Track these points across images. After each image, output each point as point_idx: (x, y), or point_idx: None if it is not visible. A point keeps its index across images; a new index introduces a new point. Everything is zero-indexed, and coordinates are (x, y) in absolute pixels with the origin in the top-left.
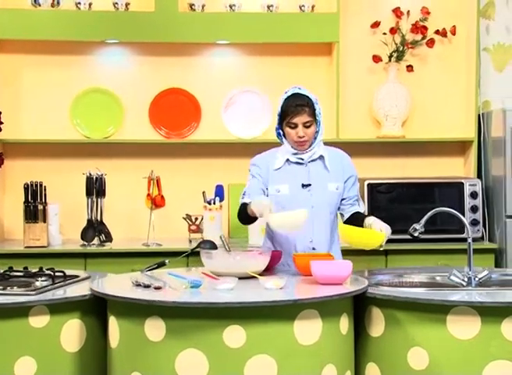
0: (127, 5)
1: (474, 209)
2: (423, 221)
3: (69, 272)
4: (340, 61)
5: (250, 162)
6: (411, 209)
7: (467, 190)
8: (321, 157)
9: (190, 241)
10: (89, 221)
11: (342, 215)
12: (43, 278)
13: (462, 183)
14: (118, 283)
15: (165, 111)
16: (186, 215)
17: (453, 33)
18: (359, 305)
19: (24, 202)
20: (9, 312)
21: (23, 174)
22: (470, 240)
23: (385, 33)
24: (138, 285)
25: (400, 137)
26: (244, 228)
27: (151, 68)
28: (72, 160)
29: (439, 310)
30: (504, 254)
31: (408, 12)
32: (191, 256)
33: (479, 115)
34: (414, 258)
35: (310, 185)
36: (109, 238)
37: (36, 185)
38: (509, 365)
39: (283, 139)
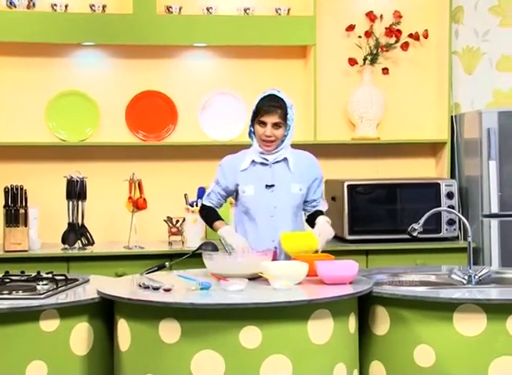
0: (104, 7)
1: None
2: (422, 221)
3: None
4: (317, 64)
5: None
6: (390, 210)
7: (444, 190)
8: (285, 159)
9: (170, 244)
10: (70, 224)
11: (304, 214)
12: (44, 282)
13: (438, 184)
14: (124, 286)
15: (141, 113)
16: (167, 217)
17: (426, 37)
18: (362, 305)
19: (4, 206)
20: (21, 316)
21: (0, 177)
22: (469, 239)
23: (360, 37)
24: (146, 288)
25: (375, 139)
26: None
27: (127, 70)
28: (50, 163)
29: (446, 308)
30: (481, 252)
31: (381, 15)
32: (176, 258)
33: (452, 117)
34: (393, 258)
35: (273, 186)
36: (91, 242)
37: (16, 189)
38: None
39: (253, 137)
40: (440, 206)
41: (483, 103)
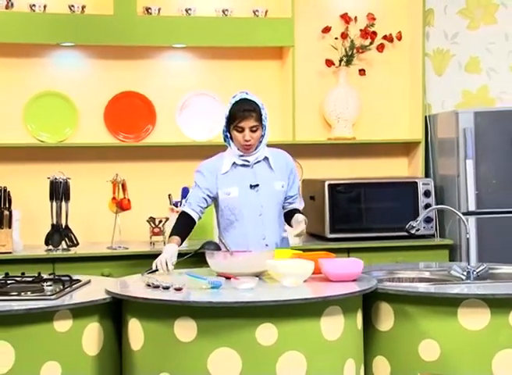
0: (83, 7)
1: (427, 207)
2: (419, 219)
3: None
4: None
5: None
6: (369, 208)
7: (421, 189)
8: (265, 158)
9: (153, 244)
10: (54, 226)
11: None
12: (48, 283)
13: (416, 183)
14: (132, 286)
15: (120, 114)
16: (150, 217)
17: (399, 39)
18: (364, 301)
19: None
20: (35, 317)
21: None
22: (468, 236)
23: (336, 38)
24: (156, 287)
25: (350, 139)
26: (210, 229)
27: (106, 71)
28: (31, 164)
29: (451, 303)
30: (458, 249)
31: (356, 17)
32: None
33: (426, 117)
34: (374, 256)
35: (258, 185)
36: (75, 243)
37: (0, 190)
38: None
39: (230, 142)
40: (418, 204)
41: (453, 104)
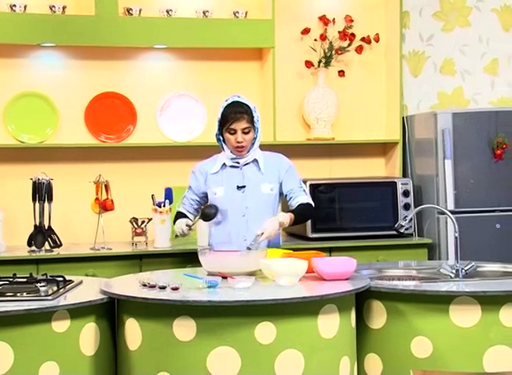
0: (64, 8)
1: (406, 207)
2: (408, 218)
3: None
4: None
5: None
6: (350, 208)
7: (400, 189)
8: (254, 160)
9: (135, 244)
10: (36, 227)
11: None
12: (42, 283)
13: (395, 183)
14: (127, 286)
15: (100, 114)
16: (133, 218)
17: (377, 41)
18: (356, 300)
19: None
20: (34, 317)
21: None
22: (456, 234)
23: (316, 40)
24: (152, 287)
25: (329, 139)
26: (193, 231)
27: (86, 72)
28: (12, 165)
29: (443, 300)
30: (437, 248)
31: (334, 19)
32: (145, 258)
33: (403, 117)
34: (355, 255)
35: (244, 187)
36: (58, 243)
37: None
38: (507, 349)
39: (223, 144)
40: (397, 204)
41: (428, 105)
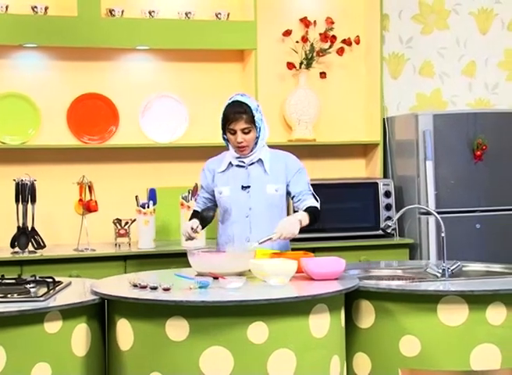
0: (46, 8)
1: (388, 207)
2: (395, 218)
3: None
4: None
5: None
6: (333, 208)
7: (381, 189)
8: (260, 160)
9: (118, 246)
10: (20, 228)
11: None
12: (31, 285)
13: (377, 184)
14: (117, 287)
15: (83, 116)
16: (116, 219)
17: (357, 43)
18: (345, 299)
19: None
20: (26, 318)
21: None
22: (443, 234)
23: (297, 42)
24: (143, 287)
25: (311, 140)
26: (176, 231)
27: (69, 72)
28: None
29: (431, 300)
30: (419, 248)
31: (315, 21)
32: (129, 259)
33: (384, 119)
34: (338, 255)
35: (249, 187)
36: (42, 245)
37: None
38: (493, 348)
39: (228, 144)
40: (378, 205)
41: (408, 106)
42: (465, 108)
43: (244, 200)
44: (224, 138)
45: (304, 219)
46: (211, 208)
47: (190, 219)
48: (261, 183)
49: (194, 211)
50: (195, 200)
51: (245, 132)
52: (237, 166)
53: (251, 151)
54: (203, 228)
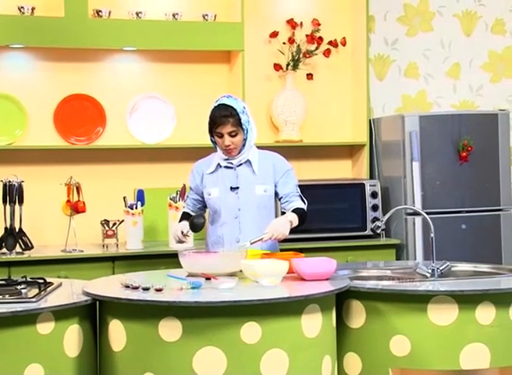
0: (33, 9)
1: (374, 208)
2: (384, 219)
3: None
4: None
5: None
6: (320, 209)
7: (368, 190)
8: (248, 161)
9: (106, 247)
10: (7, 229)
11: (283, 213)
12: (22, 286)
13: (363, 184)
14: (109, 287)
15: (70, 116)
16: (104, 220)
17: (344, 44)
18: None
19: None
20: (19, 319)
21: None
22: (432, 234)
23: (284, 43)
24: (135, 288)
25: (298, 142)
26: (164, 232)
27: (56, 73)
28: None
29: (421, 300)
30: (405, 248)
31: (301, 23)
32: (118, 260)
33: (370, 120)
34: (325, 256)
35: (238, 188)
36: (29, 246)
37: None
38: (483, 347)
39: (216, 145)
40: (365, 205)
41: (393, 108)
42: (450, 110)
43: (233, 201)
44: (212, 140)
45: (294, 220)
46: (201, 215)
47: (180, 221)
48: (249, 184)
49: (184, 213)
50: (184, 201)
51: (232, 135)
52: (226, 167)
53: (239, 152)
54: (194, 232)
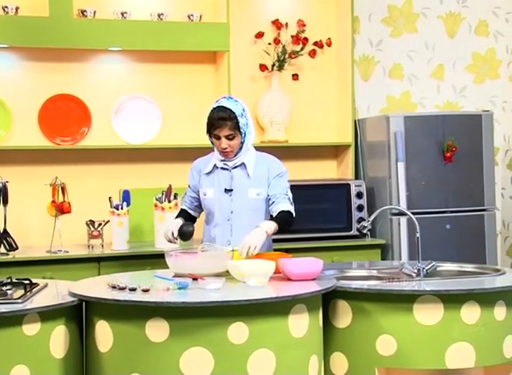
0: (17, 9)
1: (360, 208)
2: (370, 219)
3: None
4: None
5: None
6: (306, 209)
7: (353, 190)
8: (243, 164)
9: (91, 247)
10: None
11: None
12: (8, 287)
13: (349, 185)
14: (95, 288)
15: (55, 117)
16: (90, 220)
17: (329, 45)
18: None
19: None
20: (4, 321)
21: None
22: (418, 234)
23: (270, 44)
24: (122, 289)
25: (283, 142)
26: (150, 233)
27: (40, 73)
28: None
29: (407, 299)
30: (390, 248)
31: (287, 24)
32: (103, 261)
33: (355, 120)
34: (312, 256)
35: (232, 190)
36: (14, 247)
37: None
38: (468, 346)
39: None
40: (350, 206)
41: (378, 108)
42: (434, 111)
43: (226, 203)
44: (210, 141)
45: (270, 228)
46: (190, 224)
47: (177, 217)
48: (243, 187)
49: (181, 209)
50: (169, 202)
51: (229, 138)
52: (222, 168)
53: (235, 155)
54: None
